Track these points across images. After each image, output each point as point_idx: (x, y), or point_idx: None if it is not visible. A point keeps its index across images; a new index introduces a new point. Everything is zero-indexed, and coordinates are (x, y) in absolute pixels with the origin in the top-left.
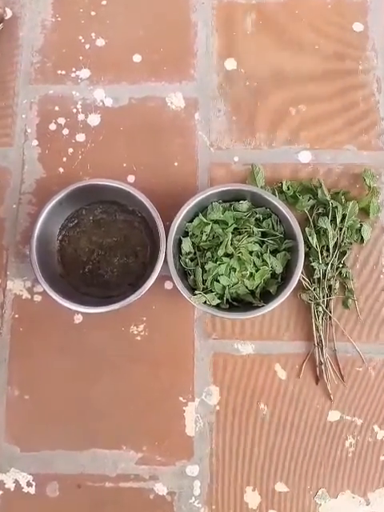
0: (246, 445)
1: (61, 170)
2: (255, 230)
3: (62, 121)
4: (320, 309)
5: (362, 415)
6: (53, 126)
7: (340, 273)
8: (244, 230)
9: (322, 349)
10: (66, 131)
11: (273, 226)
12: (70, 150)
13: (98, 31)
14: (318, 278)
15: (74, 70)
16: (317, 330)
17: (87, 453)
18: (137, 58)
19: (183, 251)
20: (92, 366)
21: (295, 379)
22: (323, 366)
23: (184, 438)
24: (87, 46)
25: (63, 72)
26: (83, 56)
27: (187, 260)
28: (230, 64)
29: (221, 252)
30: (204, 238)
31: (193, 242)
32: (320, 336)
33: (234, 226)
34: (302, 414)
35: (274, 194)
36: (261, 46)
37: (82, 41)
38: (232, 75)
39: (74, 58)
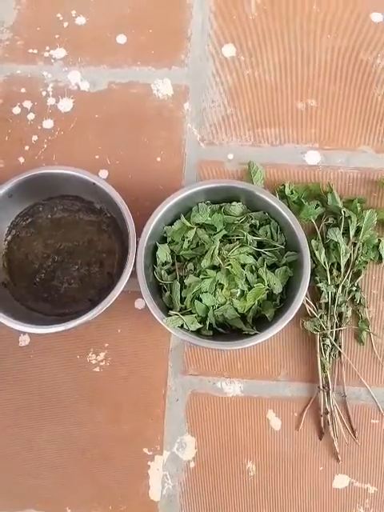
0: None
1: (21, 159)
2: (250, 238)
3: (28, 104)
4: (327, 342)
5: (377, 482)
6: (17, 110)
7: (353, 298)
8: (236, 238)
9: (328, 394)
10: (31, 116)
11: (272, 234)
12: (35, 138)
13: (80, 8)
14: (326, 303)
15: (47, 48)
16: (322, 369)
17: None
18: (121, 38)
19: (158, 261)
20: (36, 404)
21: (293, 432)
22: (329, 416)
23: (146, 503)
24: (66, 24)
25: (35, 50)
26: (60, 34)
27: (163, 272)
28: (229, 50)
29: (205, 263)
30: (186, 245)
31: (171, 250)
32: (326, 377)
33: (224, 232)
34: (300, 478)
35: None
36: (265, 33)
37: (61, 18)
38: (230, 63)
39: (49, 36)
